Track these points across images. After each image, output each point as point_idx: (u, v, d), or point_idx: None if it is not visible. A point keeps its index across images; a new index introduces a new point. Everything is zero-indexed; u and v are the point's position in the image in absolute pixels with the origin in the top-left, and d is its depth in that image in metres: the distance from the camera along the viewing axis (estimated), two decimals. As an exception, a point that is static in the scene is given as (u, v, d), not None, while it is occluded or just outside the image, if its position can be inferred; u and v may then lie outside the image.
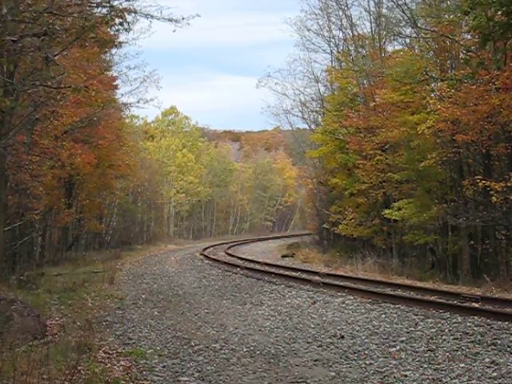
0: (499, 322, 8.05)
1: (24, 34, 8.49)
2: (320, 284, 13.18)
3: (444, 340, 7.43)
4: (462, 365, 6.30)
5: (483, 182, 14.81)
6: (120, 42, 12.86)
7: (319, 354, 7.20)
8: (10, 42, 8.30)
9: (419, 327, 8.27)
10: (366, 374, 6.25)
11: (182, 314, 10.29)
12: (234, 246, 35.58)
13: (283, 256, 26.63)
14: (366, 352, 7.13)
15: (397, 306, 9.92)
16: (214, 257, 23.51)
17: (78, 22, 9.63)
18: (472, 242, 17.11)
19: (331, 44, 29.54)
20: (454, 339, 7.42)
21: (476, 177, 15.72)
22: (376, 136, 21.25)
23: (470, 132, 15.68)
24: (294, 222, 75.06)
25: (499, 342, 7.11)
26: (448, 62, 18.48)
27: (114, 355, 6.93)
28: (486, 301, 9.93)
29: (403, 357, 6.80)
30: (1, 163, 11.54)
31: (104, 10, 10.20)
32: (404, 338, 7.66)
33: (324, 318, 9.43)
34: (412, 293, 11.51)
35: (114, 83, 26.15)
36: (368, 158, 22.00)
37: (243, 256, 24.58)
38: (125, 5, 9.95)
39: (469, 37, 17.62)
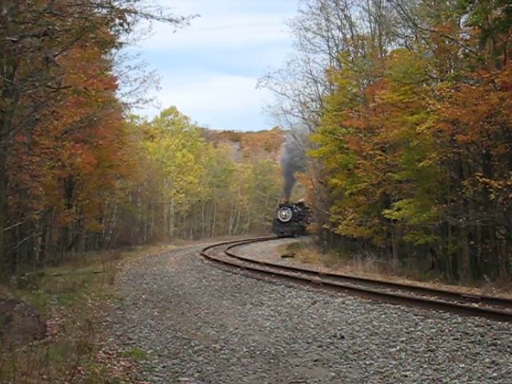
0: (499, 322, 8.06)
1: (24, 34, 8.49)
2: (320, 284, 13.18)
3: (444, 340, 7.43)
4: (462, 365, 6.31)
5: (483, 178, 14.84)
6: (120, 43, 12.84)
7: (319, 354, 7.21)
8: (10, 43, 8.31)
9: (419, 327, 8.27)
10: (366, 374, 6.25)
11: (182, 315, 10.29)
12: (233, 246, 35.54)
13: (283, 256, 26.62)
14: (366, 352, 7.13)
15: (397, 307, 9.92)
16: (213, 257, 23.49)
17: (79, 23, 9.65)
18: (472, 242, 17.10)
19: (330, 44, 29.54)
20: (454, 339, 7.42)
21: (476, 173, 15.77)
22: (376, 136, 21.25)
23: (469, 132, 15.68)
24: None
25: (499, 342, 7.11)
26: (447, 61, 18.49)
27: (114, 355, 6.93)
28: (485, 301, 9.94)
29: (403, 357, 6.80)
30: (1, 163, 11.54)
31: (104, 11, 10.22)
32: (404, 339, 7.66)
33: (324, 319, 9.43)
34: (412, 293, 11.52)
35: (115, 83, 26.15)
36: (368, 157, 22.00)
37: (243, 256, 24.57)
38: (125, 5, 9.98)
39: (468, 37, 17.66)
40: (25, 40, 8.47)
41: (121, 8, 9.82)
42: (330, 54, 30.03)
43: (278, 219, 50.25)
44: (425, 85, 18.54)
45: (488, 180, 14.71)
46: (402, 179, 20.76)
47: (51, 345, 6.98)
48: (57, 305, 10.64)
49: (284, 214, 49.83)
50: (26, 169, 15.89)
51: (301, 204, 52.24)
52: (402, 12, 19.29)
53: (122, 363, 6.56)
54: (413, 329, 8.20)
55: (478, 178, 15.22)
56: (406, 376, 6.07)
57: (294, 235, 47.55)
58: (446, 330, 7.93)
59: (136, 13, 10.38)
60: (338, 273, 16.69)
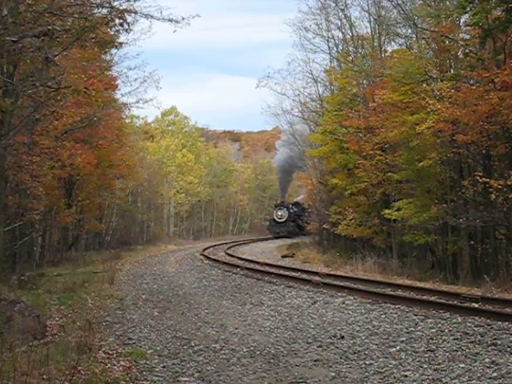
0: (499, 322, 8.05)
1: (24, 34, 8.49)
2: (320, 284, 13.18)
3: (444, 340, 7.43)
4: (462, 365, 6.31)
5: (483, 178, 14.85)
6: (120, 43, 12.88)
7: (319, 354, 7.21)
8: (10, 43, 8.31)
9: (419, 327, 8.27)
10: (366, 374, 6.25)
11: (182, 315, 10.29)
12: (233, 246, 35.51)
13: (283, 256, 26.60)
14: (366, 352, 7.13)
15: (397, 307, 9.92)
16: (213, 257, 23.49)
17: (79, 23, 9.65)
18: (472, 242, 17.12)
19: (330, 44, 29.55)
20: (454, 339, 7.42)
21: (476, 173, 15.78)
22: (376, 136, 21.26)
23: (469, 132, 15.69)
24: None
25: (499, 342, 7.11)
26: (447, 61, 18.50)
27: (114, 355, 6.93)
28: (485, 301, 9.94)
29: (403, 357, 6.80)
30: (1, 163, 11.54)
31: (104, 11, 10.22)
32: (404, 339, 7.66)
33: (324, 319, 9.43)
34: (412, 293, 11.51)
35: (115, 83, 26.14)
36: (368, 157, 22.01)
37: (243, 256, 24.56)
38: (125, 5, 9.98)
39: (468, 37, 17.67)
40: (25, 40, 8.46)
41: (121, 8, 9.83)
42: (330, 54, 30.07)
43: (274, 219, 48.81)
44: (425, 85, 18.54)
45: (488, 180, 14.72)
46: (402, 179, 20.76)
47: (51, 345, 6.97)
48: (57, 305, 10.64)
49: (280, 214, 48.18)
50: (26, 169, 15.90)
51: (297, 203, 51.51)
52: (402, 12, 19.32)
53: (122, 363, 6.56)
54: (413, 329, 8.20)
55: (478, 178, 15.22)
56: (405, 376, 6.07)
57: (290, 236, 46.20)
58: (446, 330, 7.93)
59: (136, 13, 10.39)
60: (338, 273, 16.68)
